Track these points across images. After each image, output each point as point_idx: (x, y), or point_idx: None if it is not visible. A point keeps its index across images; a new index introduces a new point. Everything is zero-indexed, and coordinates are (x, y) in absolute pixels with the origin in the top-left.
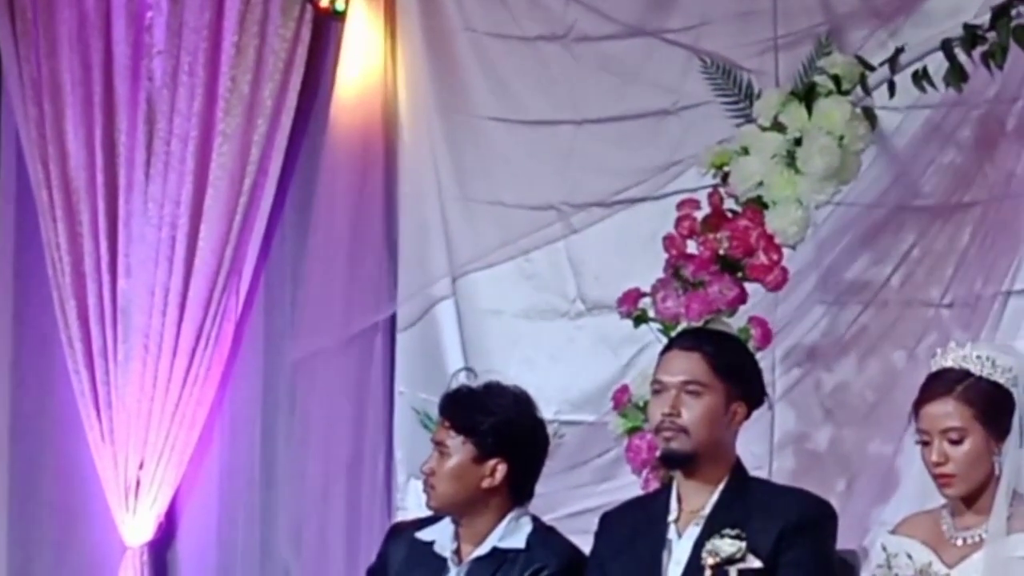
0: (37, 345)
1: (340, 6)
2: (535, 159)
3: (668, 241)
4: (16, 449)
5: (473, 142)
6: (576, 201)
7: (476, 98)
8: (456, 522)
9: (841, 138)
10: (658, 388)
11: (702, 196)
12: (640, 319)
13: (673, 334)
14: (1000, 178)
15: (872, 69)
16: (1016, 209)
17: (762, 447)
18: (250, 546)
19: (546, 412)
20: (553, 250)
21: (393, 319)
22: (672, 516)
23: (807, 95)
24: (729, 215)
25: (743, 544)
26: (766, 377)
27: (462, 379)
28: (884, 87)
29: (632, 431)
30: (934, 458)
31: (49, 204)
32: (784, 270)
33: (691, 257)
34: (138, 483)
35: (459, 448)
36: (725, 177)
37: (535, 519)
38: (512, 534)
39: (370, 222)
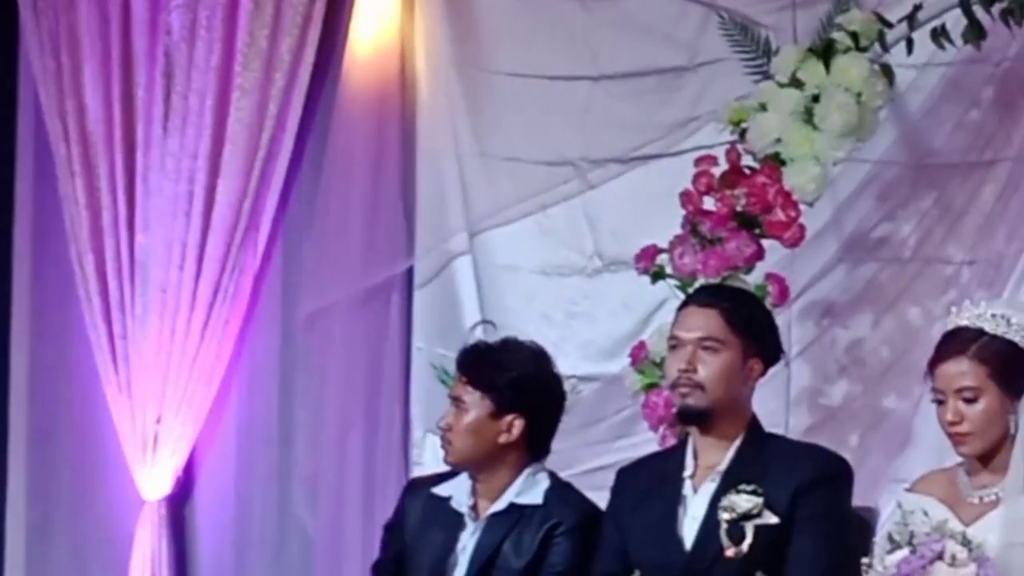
0: (55, 300)
1: None
2: (552, 115)
3: (685, 197)
4: (34, 404)
5: (490, 98)
6: (593, 157)
7: (494, 53)
8: (473, 478)
9: (859, 95)
10: (675, 344)
11: (719, 153)
12: (657, 275)
13: (690, 290)
14: (1022, 136)
15: (890, 26)
16: None
17: (778, 404)
18: (268, 500)
19: (563, 368)
20: (570, 206)
21: (410, 275)
22: (688, 472)
23: (825, 52)
24: (747, 172)
25: (760, 500)
26: (782, 334)
27: (480, 333)
28: (902, 44)
29: (649, 387)
30: (949, 417)
31: (67, 158)
32: (801, 227)
33: (708, 213)
34: (156, 437)
35: (476, 403)
36: (743, 134)
37: (552, 475)
38: (529, 490)
39: (387, 177)
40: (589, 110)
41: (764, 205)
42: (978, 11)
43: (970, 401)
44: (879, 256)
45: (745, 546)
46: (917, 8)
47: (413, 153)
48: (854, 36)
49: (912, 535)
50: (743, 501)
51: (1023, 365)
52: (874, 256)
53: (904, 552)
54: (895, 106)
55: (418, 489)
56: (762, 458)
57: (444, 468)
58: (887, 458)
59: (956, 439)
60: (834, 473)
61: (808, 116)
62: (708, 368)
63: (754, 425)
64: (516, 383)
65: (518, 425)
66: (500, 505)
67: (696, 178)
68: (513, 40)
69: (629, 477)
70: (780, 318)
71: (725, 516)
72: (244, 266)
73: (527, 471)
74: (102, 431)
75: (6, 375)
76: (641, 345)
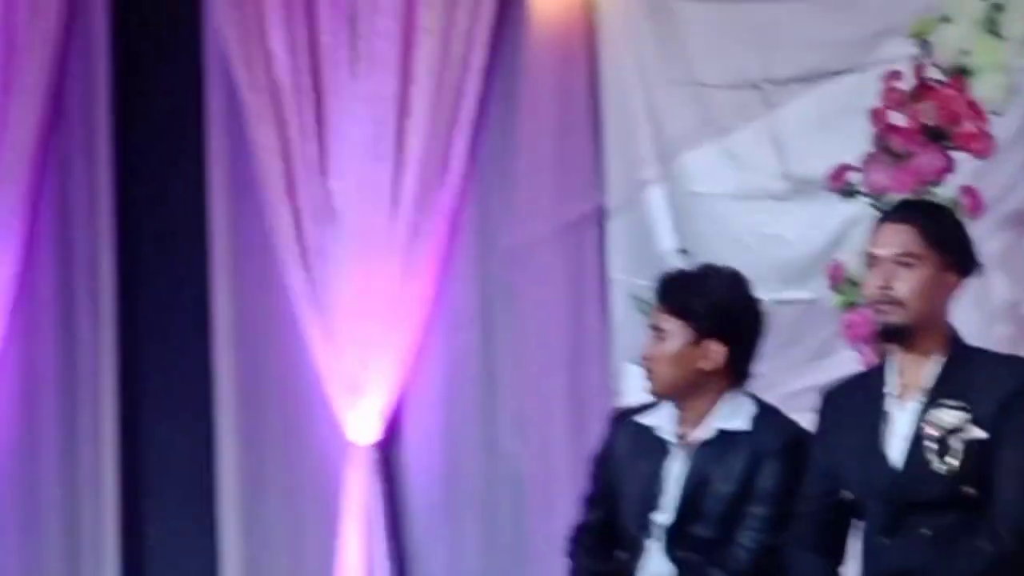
0: (254, 250)
1: None
2: (733, 37)
3: (874, 114)
4: (240, 354)
5: (672, 23)
6: (776, 77)
7: None
8: (677, 406)
9: None
10: (872, 262)
11: (903, 67)
12: (849, 193)
13: (883, 207)
14: None
15: None
16: None
17: (979, 316)
18: (475, 441)
19: (760, 292)
20: (755, 129)
21: (602, 206)
22: (892, 390)
23: None
24: (933, 85)
25: (965, 415)
26: (978, 245)
27: (677, 261)
28: None
29: (848, 306)
30: None
31: (257, 107)
32: (991, 137)
33: (897, 129)
34: (361, 381)
35: (676, 331)
36: (926, 46)
37: (756, 399)
38: (735, 415)
39: (576, 109)
40: (769, 30)
41: (952, 117)
42: None
43: None
44: None
45: (954, 461)
46: None
47: (599, 84)
48: None
49: None
50: (949, 416)
51: None
52: None
53: None
54: None
55: (623, 419)
56: (966, 372)
57: (647, 398)
58: None
59: None
60: None
61: (992, 25)
62: (905, 284)
63: (955, 339)
64: (715, 309)
65: (719, 351)
66: (708, 432)
67: (884, 94)
68: None
69: (833, 398)
70: (975, 230)
71: (932, 432)
72: (438, 206)
73: (729, 396)
74: (308, 378)
75: (210, 326)
76: (838, 265)
